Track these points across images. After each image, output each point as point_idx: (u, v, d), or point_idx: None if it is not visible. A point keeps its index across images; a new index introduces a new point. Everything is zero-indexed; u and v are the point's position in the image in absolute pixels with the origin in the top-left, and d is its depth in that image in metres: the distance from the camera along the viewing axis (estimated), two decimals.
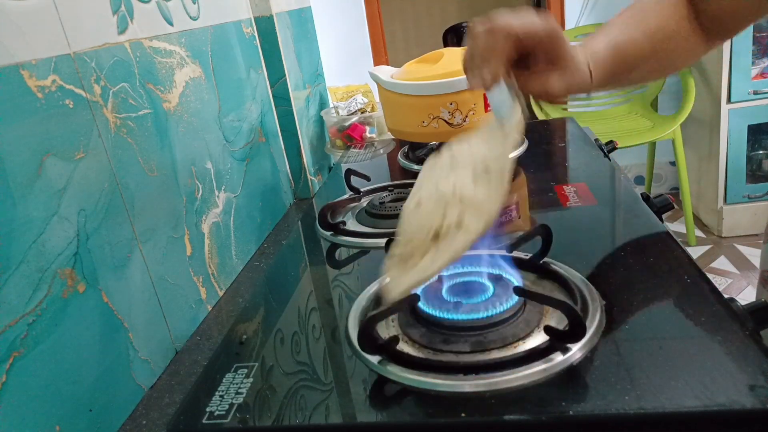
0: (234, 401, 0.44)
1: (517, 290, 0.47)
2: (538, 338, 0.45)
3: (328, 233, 0.74)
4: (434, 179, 0.50)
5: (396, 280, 0.45)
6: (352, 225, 0.76)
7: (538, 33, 0.51)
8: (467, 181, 0.47)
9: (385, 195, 0.79)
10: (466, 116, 0.93)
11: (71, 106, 0.48)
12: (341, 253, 0.71)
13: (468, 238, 0.43)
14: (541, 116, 2.31)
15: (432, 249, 0.44)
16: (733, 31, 0.61)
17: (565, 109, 2.45)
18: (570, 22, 2.42)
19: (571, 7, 2.40)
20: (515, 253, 0.56)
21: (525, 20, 0.50)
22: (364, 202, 0.82)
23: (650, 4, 0.61)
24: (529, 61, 0.54)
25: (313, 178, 1.02)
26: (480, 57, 0.52)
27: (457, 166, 0.49)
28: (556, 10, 2.42)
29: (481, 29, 0.51)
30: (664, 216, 0.69)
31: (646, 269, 0.54)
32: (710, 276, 0.71)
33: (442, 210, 0.46)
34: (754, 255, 2.09)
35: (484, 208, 0.44)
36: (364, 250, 0.70)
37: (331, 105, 1.17)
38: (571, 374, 0.41)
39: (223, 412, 0.43)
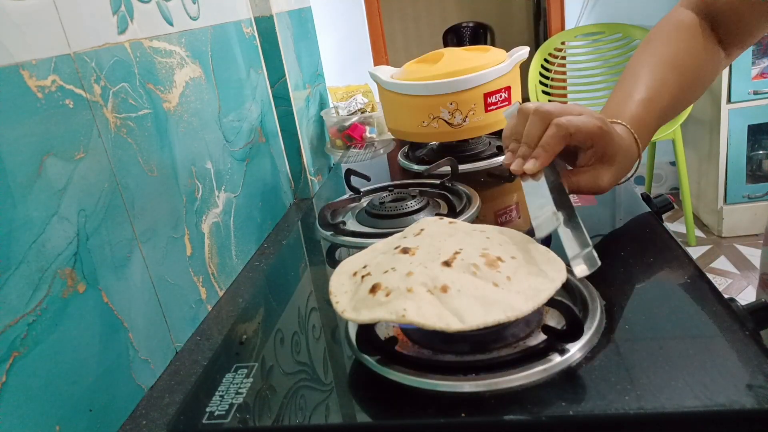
0: (234, 401, 0.44)
1: None
2: (538, 338, 0.45)
3: (328, 233, 0.74)
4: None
5: (361, 311, 0.43)
6: (352, 225, 0.76)
7: (591, 132, 0.52)
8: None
9: (385, 195, 0.79)
10: (466, 116, 0.93)
11: (71, 106, 0.48)
12: (341, 253, 0.71)
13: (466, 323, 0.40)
14: None
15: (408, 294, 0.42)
16: (747, 39, 0.61)
17: None
18: (570, 22, 2.42)
19: (571, 7, 2.40)
20: None
21: (579, 120, 0.51)
22: (364, 202, 0.82)
23: (668, 35, 0.61)
24: (578, 157, 0.55)
25: (313, 178, 1.02)
26: (526, 145, 0.53)
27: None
28: (556, 10, 2.42)
29: (534, 111, 0.52)
30: (664, 216, 0.69)
31: (646, 269, 0.54)
32: (710, 276, 0.72)
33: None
34: (754, 255, 2.09)
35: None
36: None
37: (331, 105, 1.17)
38: (571, 374, 0.41)
39: (223, 412, 0.43)
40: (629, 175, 0.59)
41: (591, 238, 0.51)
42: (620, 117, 0.56)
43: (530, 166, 0.53)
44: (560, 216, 0.51)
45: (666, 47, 0.59)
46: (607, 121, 0.53)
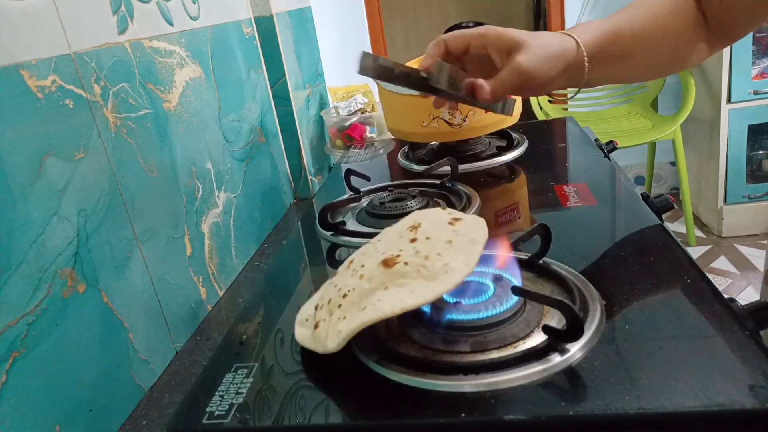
0: (234, 401, 0.44)
1: (515, 290, 0.47)
2: (538, 338, 0.45)
3: (328, 233, 0.74)
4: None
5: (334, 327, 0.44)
6: (352, 225, 0.76)
7: (468, 36, 0.56)
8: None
9: (385, 195, 0.79)
10: (466, 116, 0.93)
11: (71, 106, 0.48)
12: (341, 253, 0.71)
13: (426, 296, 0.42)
14: (541, 116, 2.31)
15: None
16: (737, 34, 0.60)
17: (565, 109, 2.45)
18: (570, 22, 2.42)
19: (571, 7, 2.40)
20: (515, 253, 0.55)
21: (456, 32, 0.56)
22: (364, 202, 0.82)
23: (658, 2, 0.61)
24: (487, 66, 0.57)
25: (313, 178, 1.02)
26: (433, 41, 0.57)
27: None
28: (557, 10, 2.42)
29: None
30: (664, 216, 0.69)
31: (646, 269, 0.54)
32: (710, 276, 0.71)
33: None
34: (754, 255, 2.09)
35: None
36: None
37: (331, 105, 1.17)
38: (571, 374, 0.41)
39: (223, 412, 0.43)
40: (579, 78, 0.58)
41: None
42: (579, 32, 0.57)
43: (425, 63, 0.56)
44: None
45: (654, 8, 0.59)
46: (491, 28, 0.56)
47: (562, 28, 2.42)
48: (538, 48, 0.54)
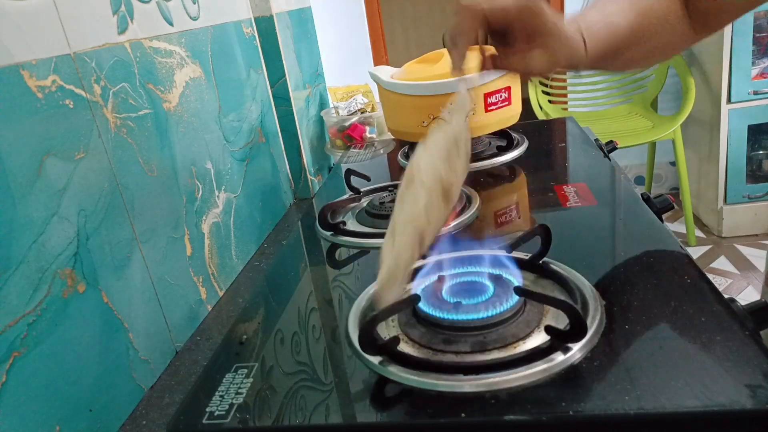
0: (234, 401, 0.44)
1: (518, 290, 0.47)
2: (539, 338, 0.45)
3: (328, 233, 0.74)
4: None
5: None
6: (352, 225, 0.76)
7: (508, 10, 0.49)
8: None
9: (385, 195, 0.79)
10: (466, 117, 0.92)
11: (71, 106, 0.48)
12: (341, 253, 0.71)
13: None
14: (541, 116, 2.31)
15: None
16: (719, 25, 0.60)
17: (565, 109, 2.45)
18: None
19: (572, 7, 2.40)
20: (515, 253, 0.56)
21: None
22: (364, 202, 0.82)
23: None
24: (509, 39, 0.52)
25: (313, 178, 1.02)
26: (451, 40, 0.51)
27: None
28: (556, 9, 2.42)
29: (454, 11, 0.50)
30: (664, 216, 0.69)
31: (646, 269, 0.54)
32: (710, 276, 0.72)
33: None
34: (754, 255, 2.09)
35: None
36: (364, 250, 0.70)
37: (331, 105, 1.17)
38: (572, 374, 0.41)
39: (223, 412, 0.43)
40: (574, 71, 0.58)
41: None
42: (576, 16, 0.55)
43: (456, 58, 0.52)
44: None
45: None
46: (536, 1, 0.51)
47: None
48: (554, 56, 0.53)
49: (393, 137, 1.10)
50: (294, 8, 1.01)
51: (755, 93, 2.02)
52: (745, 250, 2.13)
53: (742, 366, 0.39)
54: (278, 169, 0.96)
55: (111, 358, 0.50)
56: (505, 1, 0.49)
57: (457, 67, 0.52)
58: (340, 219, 0.76)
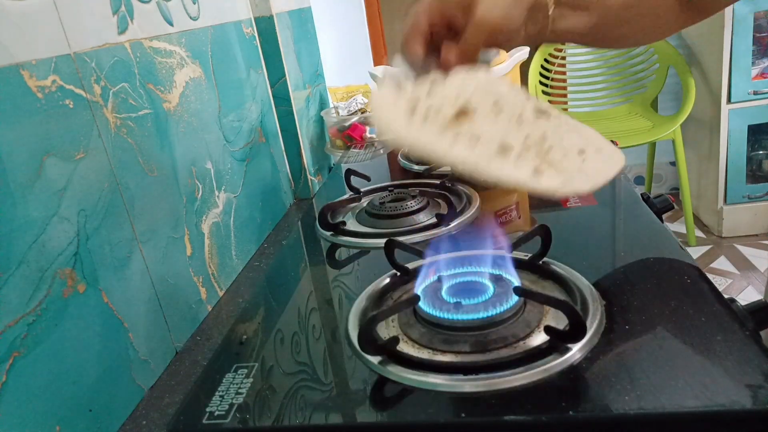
0: (234, 401, 0.44)
1: (518, 290, 0.47)
2: (538, 338, 0.45)
3: (328, 233, 0.74)
4: (514, 97, 0.45)
5: (424, 133, 0.41)
6: (352, 225, 0.76)
7: (451, 3, 0.49)
8: (556, 142, 0.43)
9: (385, 195, 0.79)
10: None
11: (71, 106, 0.48)
12: (341, 253, 0.71)
13: (546, 185, 0.39)
14: None
15: (489, 150, 0.40)
16: (713, 9, 0.59)
17: (565, 109, 2.45)
18: None
19: None
20: (515, 253, 0.56)
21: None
22: (364, 202, 0.82)
23: None
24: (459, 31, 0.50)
25: (313, 178, 1.02)
26: (403, 40, 0.51)
27: (540, 113, 0.45)
28: None
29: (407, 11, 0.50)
30: (664, 216, 0.69)
31: (646, 269, 0.54)
32: (710, 276, 0.71)
33: (520, 143, 0.41)
34: (754, 255, 2.09)
35: (571, 181, 0.41)
36: (364, 250, 0.70)
37: (331, 105, 1.17)
38: (572, 374, 0.41)
39: (223, 412, 0.43)
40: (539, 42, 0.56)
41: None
42: None
43: (408, 58, 0.50)
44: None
45: None
46: None
47: None
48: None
49: None
50: (294, 8, 1.01)
51: (755, 93, 2.02)
52: (745, 250, 2.13)
53: (742, 366, 0.39)
54: (278, 169, 0.96)
55: (111, 358, 0.50)
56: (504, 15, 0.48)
57: (411, 66, 0.50)
58: (340, 219, 0.76)
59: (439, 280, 0.53)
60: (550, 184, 0.40)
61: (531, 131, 0.42)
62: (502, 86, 0.48)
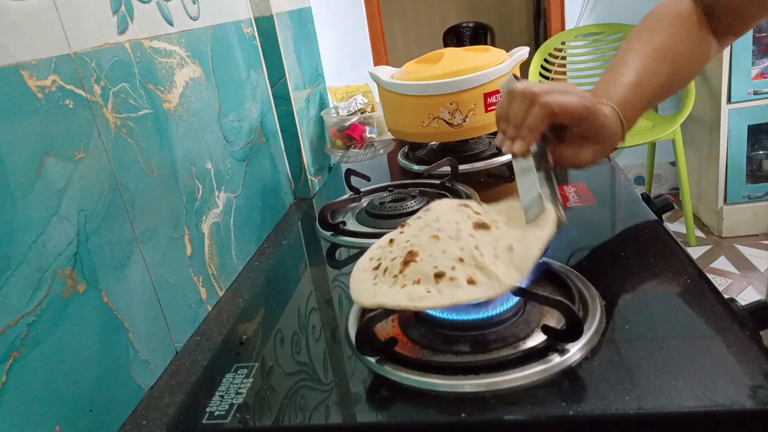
0: (234, 401, 0.44)
1: (516, 290, 0.47)
2: (538, 338, 0.45)
3: (328, 233, 0.74)
4: (454, 222, 0.49)
5: (377, 291, 0.45)
6: (352, 225, 0.76)
7: (573, 111, 0.52)
8: (488, 250, 0.46)
9: (385, 195, 0.79)
10: (466, 116, 0.93)
11: (71, 106, 0.48)
12: (341, 253, 0.71)
13: (472, 296, 0.43)
14: None
15: (428, 282, 0.44)
16: (741, 29, 0.61)
17: None
18: (570, 22, 2.42)
19: (571, 7, 2.40)
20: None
21: (564, 99, 0.51)
22: (364, 202, 0.82)
23: (661, 22, 0.61)
24: (564, 134, 0.55)
25: (313, 178, 1.02)
26: (514, 126, 0.54)
27: (478, 227, 0.49)
28: (556, 10, 2.42)
29: (519, 93, 0.53)
30: (664, 216, 0.69)
31: (646, 269, 0.54)
32: (710, 276, 0.72)
33: (455, 259, 0.45)
34: (754, 255, 2.09)
35: (499, 283, 0.44)
36: (364, 250, 0.69)
37: (331, 105, 1.17)
38: (571, 374, 0.41)
39: (223, 412, 0.43)
40: (611, 154, 0.60)
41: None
42: (609, 98, 0.57)
43: (517, 147, 0.53)
44: (545, 197, 0.53)
45: (658, 34, 0.60)
46: (594, 101, 0.53)
47: (562, 28, 2.42)
48: (603, 148, 0.56)
49: (393, 137, 1.10)
50: (294, 8, 1.01)
51: (755, 93, 2.02)
52: (745, 250, 2.13)
53: (742, 366, 0.39)
54: (278, 169, 0.96)
55: (111, 358, 0.50)
56: (571, 103, 0.52)
57: (515, 154, 0.54)
58: (340, 219, 0.76)
59: None
60: (481, 294, 0.43)
61: (464, 244, 0.46)
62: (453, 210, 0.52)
